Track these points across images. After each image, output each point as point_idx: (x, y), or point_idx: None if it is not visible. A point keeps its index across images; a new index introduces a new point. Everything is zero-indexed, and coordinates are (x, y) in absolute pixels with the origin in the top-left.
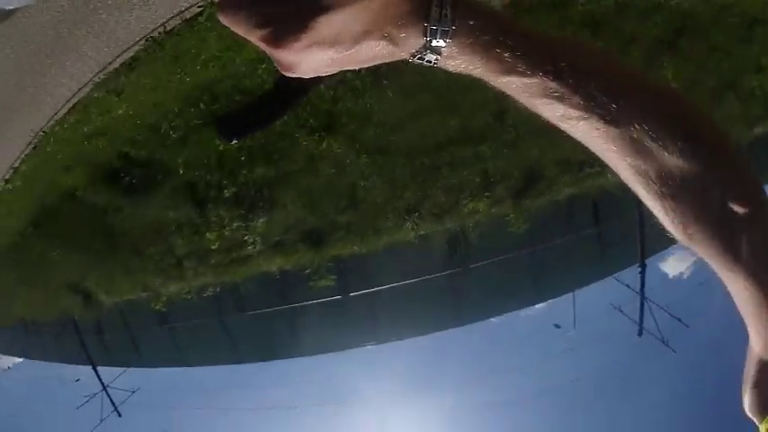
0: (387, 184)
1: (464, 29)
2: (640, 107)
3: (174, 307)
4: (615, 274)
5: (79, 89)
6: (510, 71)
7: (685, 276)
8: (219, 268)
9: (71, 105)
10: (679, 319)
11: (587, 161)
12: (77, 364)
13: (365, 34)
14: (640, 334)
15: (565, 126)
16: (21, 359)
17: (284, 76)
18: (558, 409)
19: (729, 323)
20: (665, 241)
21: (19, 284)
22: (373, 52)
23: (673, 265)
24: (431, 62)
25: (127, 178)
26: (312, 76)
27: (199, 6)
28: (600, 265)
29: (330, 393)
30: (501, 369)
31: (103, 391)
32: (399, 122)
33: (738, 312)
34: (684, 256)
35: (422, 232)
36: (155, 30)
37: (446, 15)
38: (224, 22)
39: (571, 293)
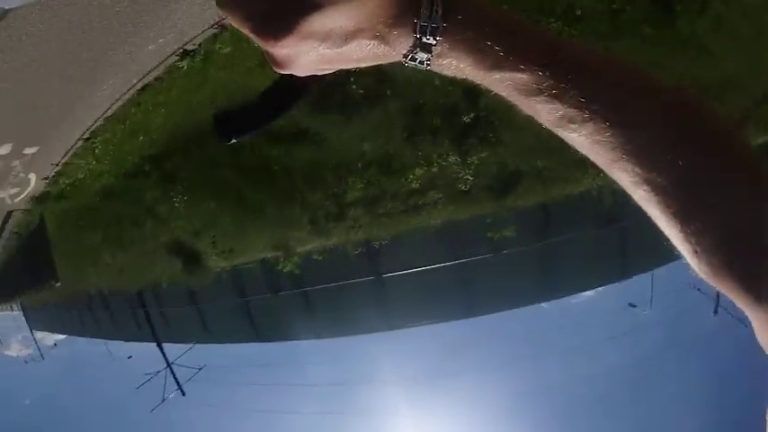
0: None
1: (455, 25)
2: (650, 109)
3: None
4: None
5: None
6: (503, 66)
7: None
8: (385, 219)
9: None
10: None
11: None
12: (133, 340)
13: (357, 32)
14: (716, 312)
15: (565, 132)
16: (63, 336)
17: (284, 75)
18: (631, 386)
19: None
20: None
21: (104, 247)
22: (365, 51)
23: None
24: (423, 62)
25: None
26: (306, 75)
27: None
28: None
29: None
30: (583, 344)
31: (167, 369)
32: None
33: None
34: None
35: None
36: None
37: (437, 12)
38: (221, 13)
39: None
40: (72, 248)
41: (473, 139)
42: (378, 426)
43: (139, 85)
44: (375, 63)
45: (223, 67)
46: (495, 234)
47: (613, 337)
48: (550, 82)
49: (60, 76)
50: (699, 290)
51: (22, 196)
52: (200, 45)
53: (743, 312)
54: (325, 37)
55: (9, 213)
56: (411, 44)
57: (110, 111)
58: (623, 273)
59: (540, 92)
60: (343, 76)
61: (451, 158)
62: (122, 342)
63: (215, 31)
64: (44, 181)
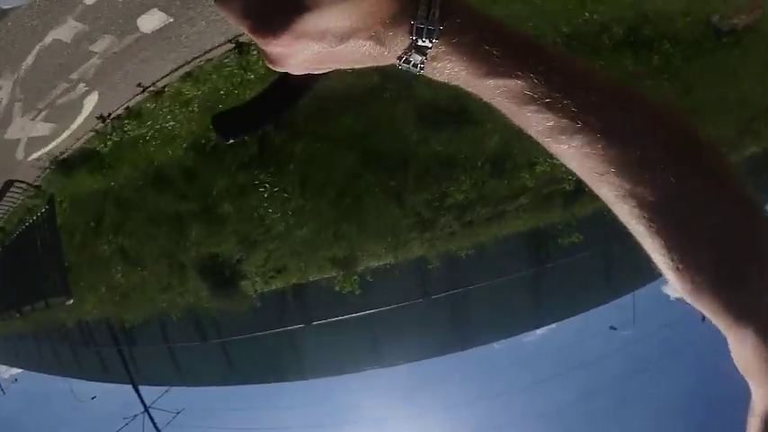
0: None
1: (452, 28)
2: (641, 124)
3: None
4: None
5: None
6: (496, 72)
7: None
8: (467, 230)
9: None
10: None
11: None
12: (100, 381)
13: (352, 32)
14: (704, 319)
15: (555, 145)
16: (19, 370)
17: (283, 75)
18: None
19: None
20: None
21: (117, 258)
22: (360, 51)
23: None
24: (417, 65)
25: None
26: (302, 74)
27: None
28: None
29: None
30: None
31: (145, 413)
32: None
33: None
34: None
35: None
36: None
37: (434, 14)
38: (219, 10)
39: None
40: (87, 253)
41: None
42: None
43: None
44: (370, 64)
45: None
46: (563, 240)
47: (601, 358)
48: (544, 90)
49: None
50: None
51: (49, 148)
52: None
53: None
54: (321, 36)
55: (9, 183)
56: (406, 46)
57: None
58: (605, 297)
59: (533, 100)
60: None
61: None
62: (84, 381)
63: None
64: (99, 122)
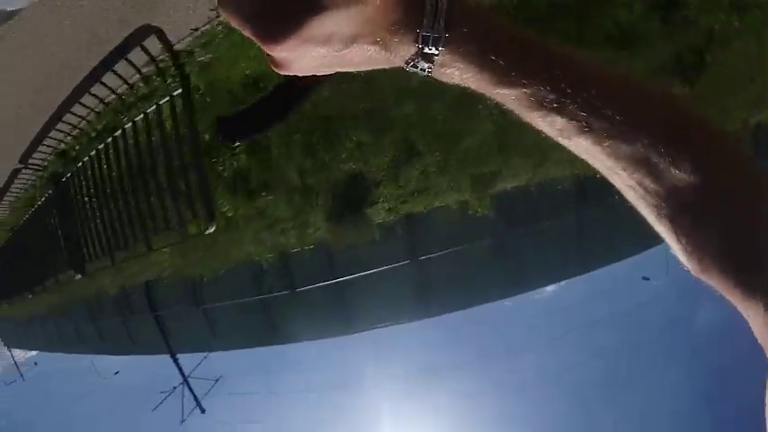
0: None
1: (457, 36)
2: (647, 119)
3: None
4: None
5: None
6: (504, 81)
7: None
8: None
9: None
10: None
11: None
12: (126, 354)
13: (357, 37)
14: None
15: (566, 142)
16: (34, 352)
17: (287, 78)
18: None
19: None
20: None
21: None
22: (365, 56)
23: None
24: (424, 71)
25: None
26: (308, 76)
27: None
28: None
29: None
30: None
31: (184, 384)
32: None
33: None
34: None
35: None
36: None
37: (439, 23)
38: (222, 14)
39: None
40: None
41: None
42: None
43: None
44: (376, 68)
45: None
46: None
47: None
48: (552, 97)
49: None
50: None
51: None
52: None
53: None
54: (326, 41)
55: (16, 171)
56: (413, 53)
57: None
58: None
59: (541, 107)
60: None
61: None
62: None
63: None
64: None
